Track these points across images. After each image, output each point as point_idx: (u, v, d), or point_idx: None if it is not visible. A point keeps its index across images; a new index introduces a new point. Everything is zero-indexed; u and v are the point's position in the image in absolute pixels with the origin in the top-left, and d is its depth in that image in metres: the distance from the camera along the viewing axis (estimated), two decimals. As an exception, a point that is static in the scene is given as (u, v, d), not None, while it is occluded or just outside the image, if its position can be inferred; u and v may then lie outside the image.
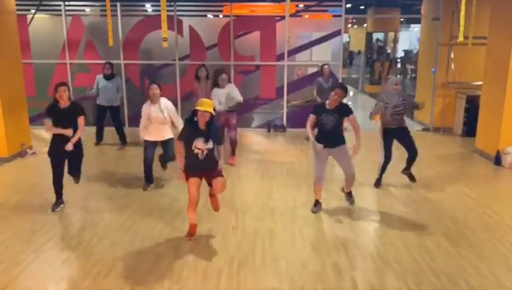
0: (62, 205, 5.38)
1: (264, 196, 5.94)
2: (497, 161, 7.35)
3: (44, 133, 9.35)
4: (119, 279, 3.88)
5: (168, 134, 5.95)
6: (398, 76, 18.42)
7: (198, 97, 8.01)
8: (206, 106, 4.31)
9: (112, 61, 9.68)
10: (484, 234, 4.82)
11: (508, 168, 7.18)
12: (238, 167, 6.94)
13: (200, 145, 4.37)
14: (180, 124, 5.77)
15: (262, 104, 10.11)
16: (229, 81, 7.11)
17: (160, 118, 5.78)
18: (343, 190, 5.63)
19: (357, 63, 22.37)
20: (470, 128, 9.03)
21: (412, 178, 6.16)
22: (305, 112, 10.07)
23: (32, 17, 9.57)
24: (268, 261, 4.21)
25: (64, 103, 5.12)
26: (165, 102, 5.86)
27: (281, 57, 9.85)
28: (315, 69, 9.99)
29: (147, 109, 5.81)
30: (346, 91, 5.09)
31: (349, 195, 5.57)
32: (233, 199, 5.72)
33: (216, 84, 6.98)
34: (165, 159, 6.20)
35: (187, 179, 4.52)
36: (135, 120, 8.63)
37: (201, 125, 4.37)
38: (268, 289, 3.78)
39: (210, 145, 4.39)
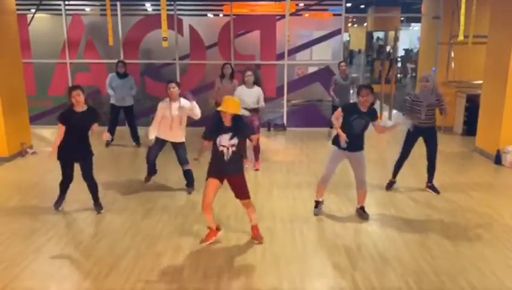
0: (64, 201, 5.36)
1: (264, 195, 5.94)
2: (498, 160, 7.35)
3: (45, 132, 9.40)
4: (119, 278, 3.88)
5: (180, 137, 5.80)
6: (399, 75, 18.46)
7: (219, 95, 7.88)
8: (226, 106, 4.14)
9: (113, 61, 9.70)
10: (485, 233, 4.82)
11: (508, 167, 7.18)
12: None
13: (225, 142, 4.19)
14: (197, 108, 5.69)
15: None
16: (258, 84, 6.76)
17: (176, 116, 5.64)
18: (356, 209, 5.34)
19: (357, 62, 22.36)
20: (470, 127, 9.02)
21: (435, 190, 5.99)
22: (305, 111, 10.17)
23: (33, 17, 9.56)
24: (269, 261, 4.21)
25: (80, 107, 4.97)
26: (184, 102, 5.70)
27: (281, 56, 9.85)
28: (315, 68, 10.00)
29: (165, 108, 5.66)
30: (372, 90, 4.90)
31: (362, 210, 5.25)
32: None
33: (243, 82, 6.75)
34: (189, 181, 5.98)
35: (207, 179, 4.37)
36: (136, 119, 8.64)
37: (227, 122, 4.22)
38: (268, 289, 3.78)
39: (234, 141, 4.20)
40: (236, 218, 5.12)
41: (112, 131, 8.36)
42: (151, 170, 6.13)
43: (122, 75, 8.24)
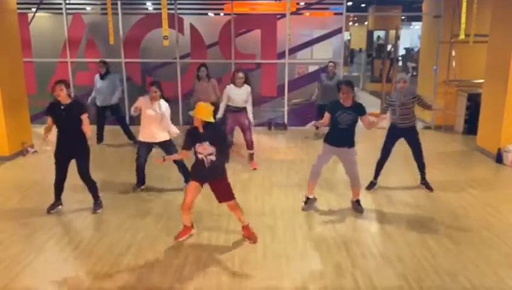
0: (59, 207, 5.32)
1: (265, 193, 5.94)
2: (499, 158, 7.34)
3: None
4: (120, 278, 3.89)
5: (161, 136, 5.73)
6: (399, 73, 18.44)
7: (198, 97, 8.05)
8: (196, 111, 4.19)
9: (113, 60, 9.71)
10: (485, 231, 4.81)
11: (509, 166, 7.17)
12: (238, 165, 6.92)
13: (201, 149, 4.23)
14: (170, 127, 5.72)
15: (263, 102, 10.11)
16: (248, 83, 6.77)
17: (152, 115, 5.62)
18: (352, 202, 5.44)
19: (358, 61, 22.36)
20: (471, 126, 9.01)
21: (429, 187, 6.02)
22: (306, 110, 10.16)
23: (33, 16, 9.57)
24: (269, 259, 4.21)
25: (63, 101, 4.99)
26: (164, 104, 5.71)
27: (281, 55, 9.84)
28: (316, 67, 10.00)
29: (143, 102, 5.66)
30: (352, 86, 5.00)
31: (357, 203, 5.35)
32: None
33: (232, 82, 6.74)
34: (185, 174, 5.95)
35: (190, 181, 4.48)
36: (137, 118, 8.63)
37: (200, 129, 4.25)
38: (269, 287, 3.78)
39: (212, 150, 4.20)
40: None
41: (98, 131, 8.37)
42: (140, 181, 6.03)
43: (103, 76, 8.19)
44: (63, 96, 4.96)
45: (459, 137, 9.25)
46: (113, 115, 8.41)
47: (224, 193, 4.41)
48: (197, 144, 4.24)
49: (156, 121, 5.67)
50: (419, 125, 9.92)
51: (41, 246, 4.46)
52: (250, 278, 3.90)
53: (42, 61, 9.98)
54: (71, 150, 5.09)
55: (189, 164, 4.71)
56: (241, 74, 6.67)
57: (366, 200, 5.63)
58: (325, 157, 5.26)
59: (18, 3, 7.81)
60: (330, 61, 8.68)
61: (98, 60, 8.58)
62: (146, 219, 5.11)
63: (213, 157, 4.24)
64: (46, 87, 10.03)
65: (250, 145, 6.96)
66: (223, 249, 4.39)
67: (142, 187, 6.06)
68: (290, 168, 7.06)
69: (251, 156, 7.02)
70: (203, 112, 4.20)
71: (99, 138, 8.51)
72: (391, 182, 6.25)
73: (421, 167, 6.02)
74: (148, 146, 5.83)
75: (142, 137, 5.80)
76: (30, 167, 7.14)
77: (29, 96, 8.22)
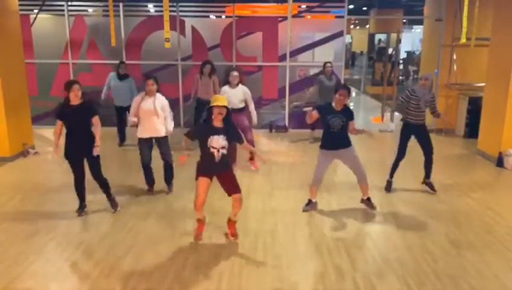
0: (86, 209, 5.27)
1: (266, 196, 5.93)
2: (499, 162, 7.33)
3: (46, 133, 9.41)
4: (120, 279, 3.89)
5: (162, 130, 5.69)
6: (401, 77, 18.45)
7: (198, 94, 8.09)
8: (222, 101, 4.21)
9: (114, 62, 9.73)
10: (486, 235, 4.81)
11: (510, 169, 7.16)
12: (239, 167, 6.92)
13: (215, 144, 4.21)
14: (170, 124, 5.69)
15: (265, 105, 10.12)
16: (242, 83, 6.77)
17: (151, 110, 5.57)
18: (362, 199, 5.49)
19: (359, 64, 22.39)
20: (472, 130, 9.01)
21: (432, 188, 6.04)
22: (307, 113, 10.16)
23: (35, 17, 9.60)
24: (270, 262, 4.20)
25: (76, 101, 4.93)
26: (160, 98, 5.67)
27: (283, 58, 9.86)
28: (317, 70, 10.00)
29: (139, 99, 5.61)
30: (349, 92, 5.10)
31: (368, 201, 5.44)
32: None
33: (226, 83, 6.73)
34: (169, 176, 5.98)
35: (198, 178, 4.38)
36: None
37: (217, 123, 4.24)
38: (270, 290, 3.78)
39: (225, 143, 4.23)
40: (238, 219, 5.11)
41: (119, 132, 8.36)
42: (149, 180, 6.00)
43: (122, 76, 8.21)
44: (79, 97, 4.92)
45: (460, 140, 9.24)
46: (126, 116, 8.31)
47: (233, 185, 4.40)
48: (211, 137, 4.20)
49: (156, 114, 5.60)
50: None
51: (42, 247, 4.46)
52: (250, 280, 3.90)
53: (44, 63, 9.99)
54: (81, 149, 5.04)
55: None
56: (235, 73, 6.66)
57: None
58: (324, 163, 5.26)
59: (20, 5, 7.83)
60: (327, 62, 8.68)
61: (119, 61, 8.55)
62: (147, 220, 5.11)
63: (225, 151, 4.26)
64: (48, 89, 10.09)
65: (251, 144, 6.93)
66: (223, 251, 4.39)
67: (154, 186, 6.01)
68: (290, 171, 7.06)
69: (252, 157, 6.99)
70: (225, 101, 4.22)
71: (121, 139, 8.44)
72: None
73: (429, 165, 6.00)
74: (149, 142, 5.76)
75: (143, 133, 5.69)
76: (31, 168, 7.15)
77: (30, 98, 8.22)
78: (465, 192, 6.13)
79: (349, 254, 4.36)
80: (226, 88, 6.70)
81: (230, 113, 4.30)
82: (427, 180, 6.09)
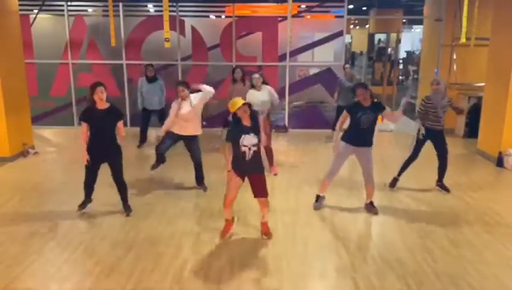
0: (89, 204, 5.29)
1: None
2: (499, 162, 7.34)
3: (46, 133, 9.42)
4: (120, 279, 3.89)
5: (196, 130, 5.86)
6: (401, 77, 18.45)
7: (233, 98, 7.97)
8: (239, 102, 4.31)
9: (115, 62, 9.77)
10: (486, 235, 4.81)
11: (510, 169, 7.17)
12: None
13: (247, 142, 4.30)
14: (207, 88, 5.75)
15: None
16: (265, 83, 6.81)
17: (189, 115, 5.72)
18: (366, 204, 5.48)
19: (359, 64, 22.38)
20: (472, 130, 9.02)
21: (446, 189, 6.09)
22: (307, 112, 10.17)
23: (35, 17, 9.60)
24: (270, 261, 4.21)
25: (102, 105, 4.91)
26: (194, 96, 5.79)
27: (283, 58, 9.86)
28: (317, 70, 10.01)
29: (177, 107, 5.74)
30: (366, 87, 5.12)
31: (371, 205, 5.42)
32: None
33: (252, 86, 6.79)
34: (200, 177, 6.04)
35: (231, 178, 4.47)
36: (138, 120, 8.64)
37: (246, 121, 4.34)
38: (270, 289, 3.77)
39: (256, 140, 4.33)
40: (239, 220, 5.12)
41: (142, 133, 8.33)
42: (160, 158, 6.08)
43: (151, 79, 8.15)
44: (104, 99, 4.89)
45: (459, 140, 9.24)
46: (160, 120, 8.06)
47: (262, 188, 4.52)
48: (242, 136, 4.30)
49: (193, 116, 5.76)
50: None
51: (42, 247, 4.46)
52: (250, 280, 3.90)
53: (44, 63, 9.99)
54: (105, 154, 5.04)
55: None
56: (257, 75, 6.74)
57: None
58: (343, 156, 5.29)
59: (20, 5, 7.83)
60: (345, 64, 8.91)
61: (145, 64, 8.47)
62: (147, 220, 5.11)
63: (256, 148, 4.36)
64: (48, 89, 10.09)
65: (270, 151, 6.88)
66: (223, 252, 4.39)
67: (161, 165, 6.08)
68: (291, 171, 7.06)
69: (272, 162, 6.93)
70: (239, 102, 4.30)
71: (142, 140, 8.37)
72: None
73: (444, 168, 6.06)
74: (174, 137, 5.85)
75: (175, 130, 5.82)
76: (31, 168, 7.15)
77: (30, 98, 8.22)
78: (465, 192, 6.14)
79: (349, 254, 4.36)
80: (253, 91, 6.74)
81: (255, 112, 4.46)
82: (439, 183, 6.14)
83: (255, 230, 4.82)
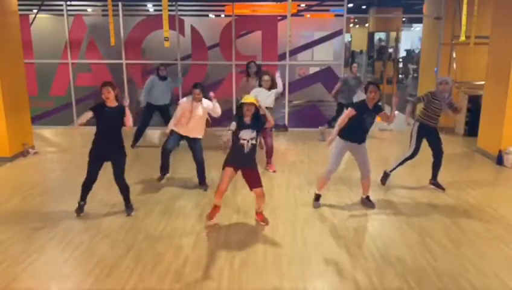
0: (85, 206, 5.26)
1: (266, 195, 5.91)
2: (499, 160, 7.34)
3: (46, 133, 9.43)
4: (121, 278, 3.89)
5: (199, 133, 5.98)
6: (400, 76, 18.45)
7: (244, 92, 7.98)
8: (250, 99, 4.61)
9: (113, 61, 9.78)
10: (486, 233, 4.81)
11: (510, 167, 7.17)
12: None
13: (246, 136, 4.57)
14: (218, 108, 5.88)
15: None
16: (273, 87, 6.88)
17: (200, 115, 5.84)
18: (362, 199, 5.59)
19: (359, 63, 22.39)
20: (472, 128, 9.02)
21: (440, 187, 6.09)
22: (306, 111, 10.17)
23: (35, 17, 9.60)
24: (270, 260, 4.21)
25: (111, 104, 4.93)
26: (206, 102, 5.89)
27: (282, 57, 9.85)
28: (317, 69, 10.01)
29: (188, 104, 5.82)
30: (379, 88, 5.19)
31: (367, 199, 5.52)
32: (234, 198, 5.72)
33: (260, 85, 6.89)
34: (202, 177, 6.11)
35: (224, 168, 4.70)
36: (138, 120, 8.63)
37: (247, 119, 4.58)
38: (270, 288, 3.78)
39: (254, 135, 4.60)
40: (238, 218, 5.12)
41: (140, 131, 8.32)
42: (164, 169, 6.21)
43: (163, 78, 8.19)
44: (112, 98, 4.91)
45: (459, 139, 9.25)
46: (162, 115, 8.25)
47: (256, 180, 4.76)
48: (242, 131, 4.58)
49: (202, 118, 5.90)
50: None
51: (41, 247, 4.45)
52: (251, 279, 3.90)
53: (43, 63, 9.99)
54: (109, 153, 5.04)
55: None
56: (266, 77, 6.80)
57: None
58: (341, 152, 5.33)
59: (19, 5, 7.82)
60: (353, 63, 9.00)
61: (159, 63, 8.50)
62: (147, 220, 5.11)
63: (254, 142, 4.64)
64: (47, 89, 10.09)
65: (271, 149, 7.03)
66: (223, 250, 4.39)
67: (167, 175, 6.18)
68: (290, 170, 7.06)
69: (270, 161, 7.06)
70: (254, 100, 4.61)
71: (136, 139, 8.30)
72: (392, 183, 6.25)
73: (438, 166, 6.07)
74: (179, 137, 6.01)
75: (180, 130, 5.94)
76: (31, 168, 7.15)
77: (30, 98, 8.22)
78: (464, 190, 6.14)
79: (349, 252, 4.36)
80: (261, 89, 6.80)
81: (259, 111, 4.67)
82: (433, 181, 6.14)
83: (255, 230, 4.82)
